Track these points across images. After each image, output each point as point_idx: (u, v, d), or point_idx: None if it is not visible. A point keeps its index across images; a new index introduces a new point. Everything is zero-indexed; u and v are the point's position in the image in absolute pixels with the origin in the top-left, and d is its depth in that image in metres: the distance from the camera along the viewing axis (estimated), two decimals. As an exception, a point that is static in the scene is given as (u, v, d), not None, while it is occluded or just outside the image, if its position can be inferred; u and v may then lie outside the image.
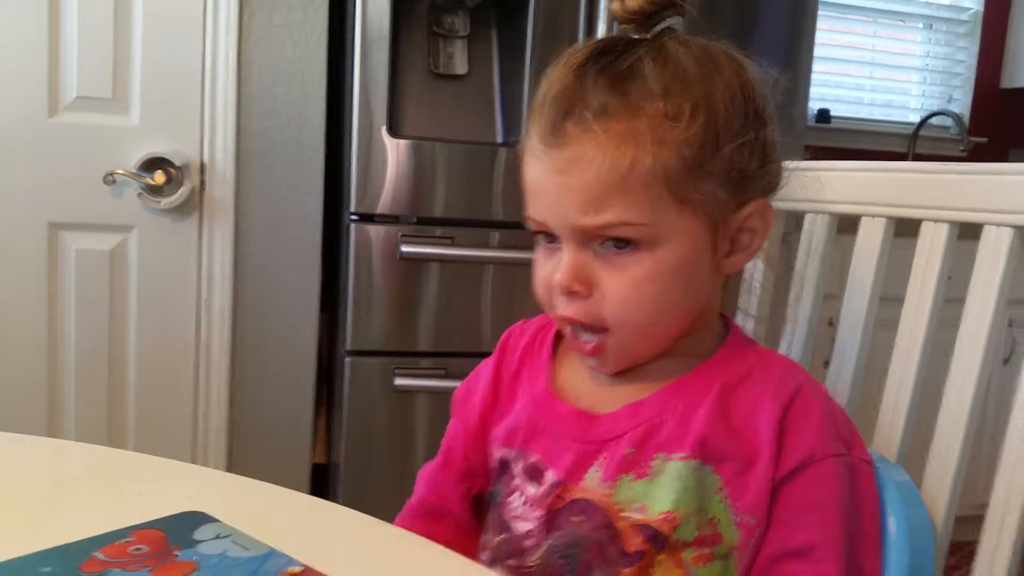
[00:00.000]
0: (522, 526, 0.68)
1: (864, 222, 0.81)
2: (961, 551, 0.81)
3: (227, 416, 1.82)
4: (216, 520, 0.59)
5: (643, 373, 0.68)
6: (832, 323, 0.84)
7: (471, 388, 0.78)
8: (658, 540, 0.62)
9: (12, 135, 1.65)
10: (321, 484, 1.94)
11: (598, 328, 0.64)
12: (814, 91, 2.32)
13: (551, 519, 0.67)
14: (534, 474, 0.69)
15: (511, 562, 0.68)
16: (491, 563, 0.70)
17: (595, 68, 0.62)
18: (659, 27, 0.65)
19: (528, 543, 0.68)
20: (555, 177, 0.62)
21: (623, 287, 0.62)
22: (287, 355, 1.83)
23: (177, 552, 0.54)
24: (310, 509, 0.67)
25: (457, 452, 0.77)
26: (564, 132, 0.61)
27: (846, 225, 0.85)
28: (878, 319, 0.80)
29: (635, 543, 0.63)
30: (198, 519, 0.59)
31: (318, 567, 0.53)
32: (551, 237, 0.65)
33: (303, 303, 1.83)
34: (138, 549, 0.54)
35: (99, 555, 0.53)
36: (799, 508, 0.61)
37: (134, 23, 1.68)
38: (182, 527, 0.58)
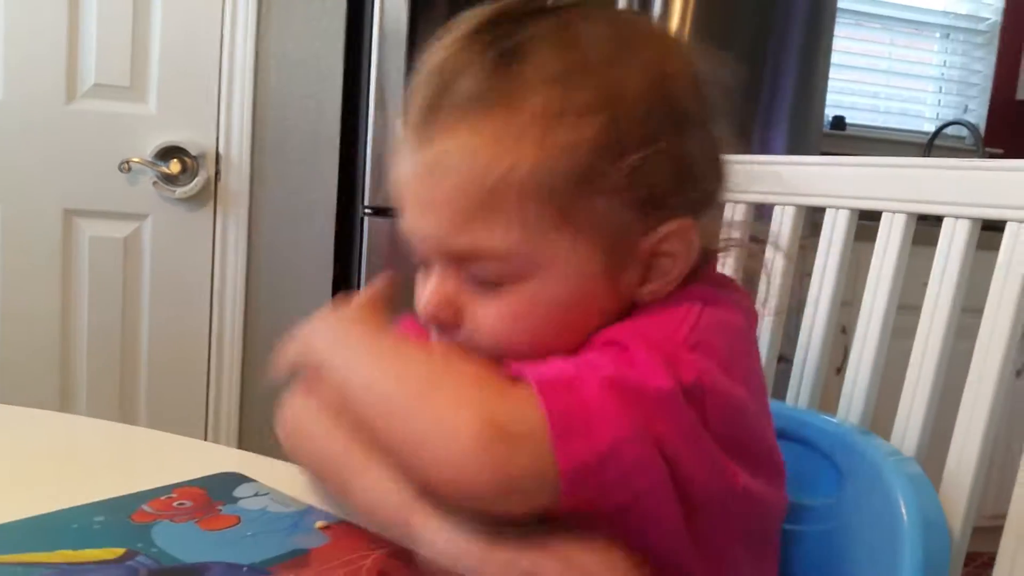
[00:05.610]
0: None
1: (884, 218, 0.80)
2: (974, 561, 0.80)
3: (238, 406, 1.82)
4: (253, 480, 0.61)
5: None
6: (845, 331, 0.84)
7: None
8: None
9: (29, 121, 1.66)
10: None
11: None
12: (830, 98, 2.31)
13: None
14: None
15: None
16: None
17: (481, 42, 0.50)
18: None
19: None
20: (416, 183, 0.52)
21: (493, 321, 0.51)
22: (299, 346, 1.82)
23: (220, 507, 0.56)
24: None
25: None
26: (435, 122, 0.50)
27: (861, 233, 0.84)
28: (893, 328, 0.79)
29: None
30: (236, 479, 0.61)
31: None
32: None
33: (316, 296, 1.83)
34: (182, 504, 0.56)
35: (146, 508, 0.55)
36: None
37: (153, 12, 1.69)
38: (222, 485, 0.60)
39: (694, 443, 0.47)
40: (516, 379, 0.46)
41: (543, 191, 0.48)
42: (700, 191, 0.54)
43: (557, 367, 0.46)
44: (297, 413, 0.58)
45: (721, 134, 0.56)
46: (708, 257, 0.59)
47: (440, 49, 0.51)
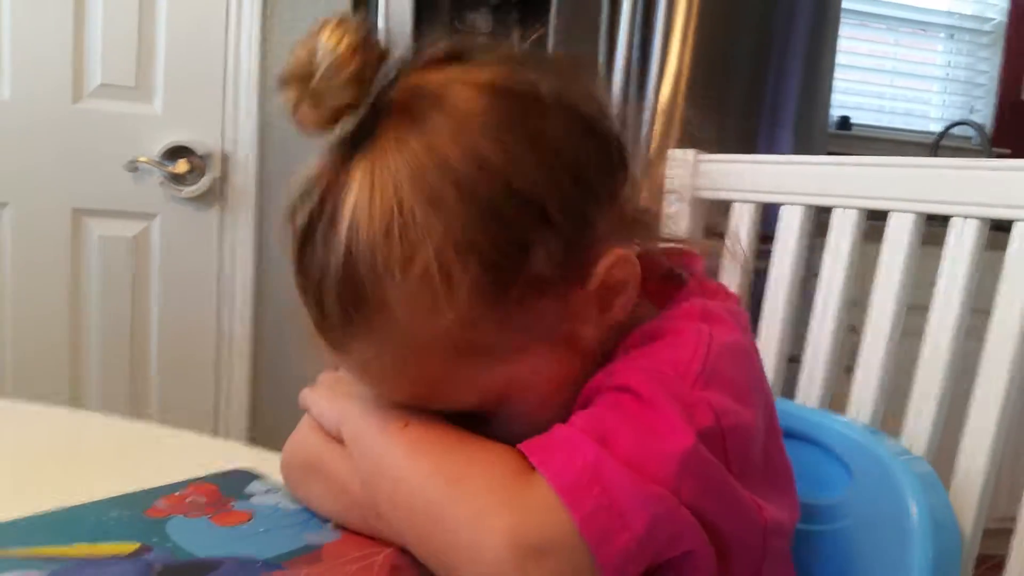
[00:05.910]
0: None
1: (892, 218, 0.80)
2: (984, 564, 0.80)
3: (248, 402, 1.83)
4: (265, 477, 0.62)
5: None
6: (855, 329, 0.84)
7: None
8: None
9: (36, 121, 1.66)
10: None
11: None
12: (835, 98, 2.31)
13: None
14: None
15: None
16: None
17: (314, 245, 0.49)
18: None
19: None
20: (355, 379, 0.53)
21: (510, 427, 0.52)
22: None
23: (232, 503, 0.57)
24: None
25: None
26: (333, 341, 0.50)
27: (870, 234, 0.85)
28: (903, 328, 0.79)
29: None
30: (248, 476, 0.62)
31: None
32: None
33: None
34: (195, 500, 0.57)
35: (160, 503, 0.56)
36: None
37: (159, 12, 1.70)
38: (234, 482, 0.61)
39: (721, 490, 0.46)
40: (533, 469, 0.45)
41: (465, 352, 0.48)
42: (607, 234, 0.51)
43: (573, 454, 0.45)
44: (314, 450, 0.57)
45: (608, 140, 0.51)
46: (688, 259, 0.59)
47: (294, 275, 0.51)
